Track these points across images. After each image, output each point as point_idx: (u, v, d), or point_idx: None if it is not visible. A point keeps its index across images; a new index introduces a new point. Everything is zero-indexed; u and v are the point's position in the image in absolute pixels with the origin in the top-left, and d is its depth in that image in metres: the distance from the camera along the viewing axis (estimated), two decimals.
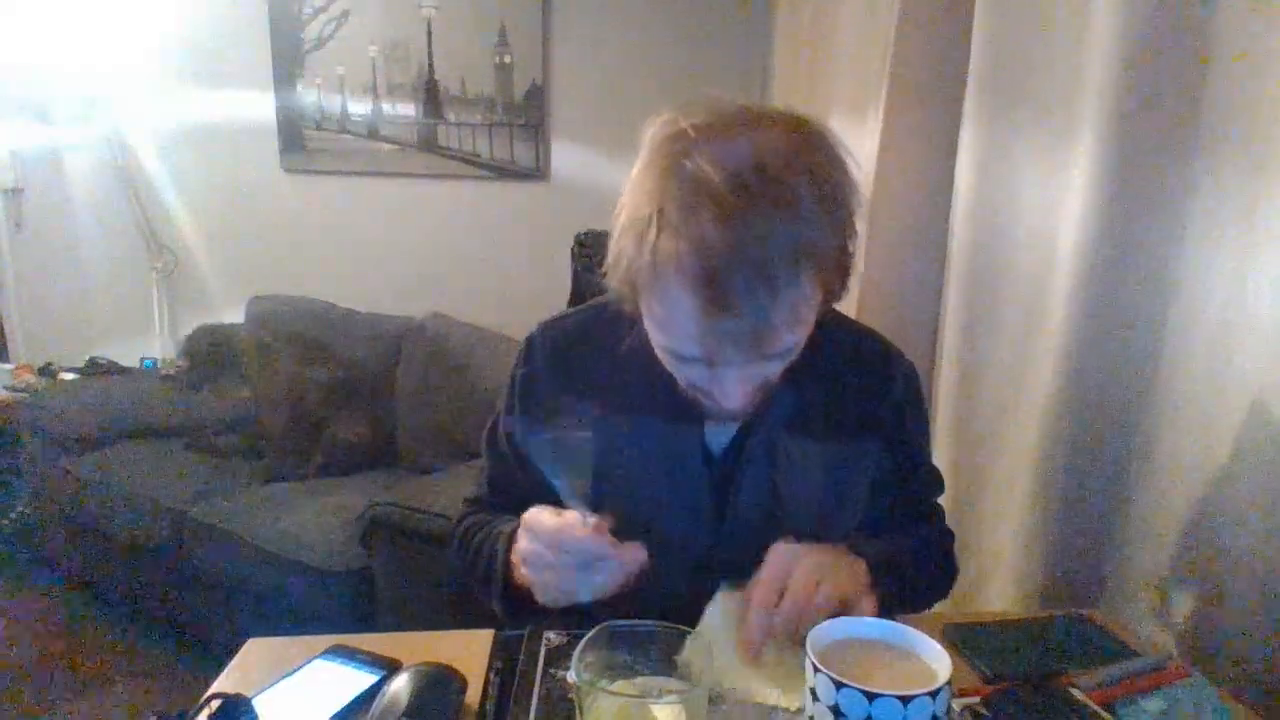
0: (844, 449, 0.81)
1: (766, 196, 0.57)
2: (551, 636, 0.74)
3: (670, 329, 0.64)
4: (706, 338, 0.61)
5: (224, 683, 0.69)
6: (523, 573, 0.70)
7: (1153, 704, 0.66)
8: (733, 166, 0.57)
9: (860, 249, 0.70)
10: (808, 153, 0.60)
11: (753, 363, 0.64)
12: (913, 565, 0.85)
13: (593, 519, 0.67)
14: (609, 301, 0.82)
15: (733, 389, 0.65)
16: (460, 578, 0.89)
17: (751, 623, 0.69)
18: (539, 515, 0.69)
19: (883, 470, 0.83)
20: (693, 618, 0.68)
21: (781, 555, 0.69)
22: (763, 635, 0.69)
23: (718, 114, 0.62)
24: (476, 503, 0.92)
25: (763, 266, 0.57)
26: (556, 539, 0.66)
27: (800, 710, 0.63)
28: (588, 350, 0.82)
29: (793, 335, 0.63)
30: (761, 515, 0.79)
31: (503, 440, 0.87)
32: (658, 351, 0.68)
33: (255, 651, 0.75)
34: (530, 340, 0.85)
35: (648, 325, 0.67)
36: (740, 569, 0.72)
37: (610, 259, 0.65)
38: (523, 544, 0.70)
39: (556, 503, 0.81)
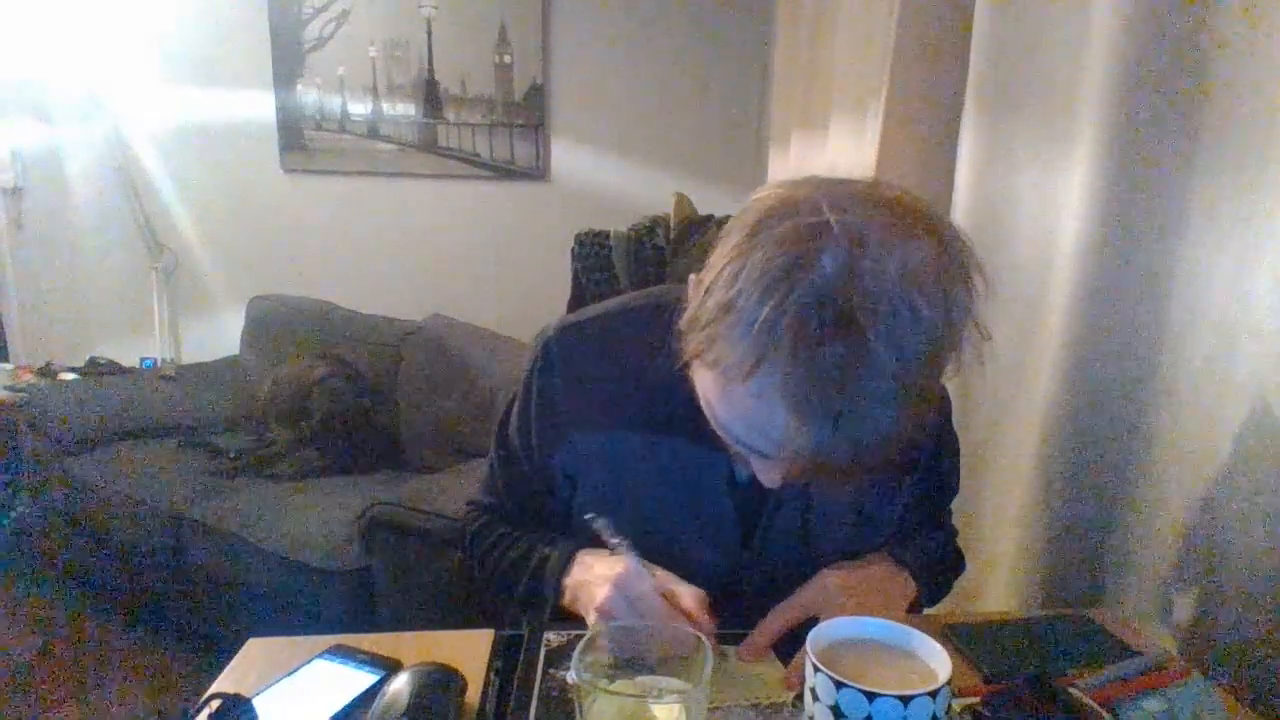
0: (879, 481, 0.79)
1: (901, 331, 0.50)
2: (551, 636, 0.74)
3: (745, 424, 0.57)
4: (783, 448, 0.56)
5: (224, 683, 0.69)
6: (591, 618, 0.69)
7: (1153, 704, 0.66)
8: (874, 287, 0.49)
9: None
10: (949, 279, 0.53)
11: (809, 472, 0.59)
12: (940, 565, 0.86)
13: (689, 594, 0.67)
14: (632, 306, 0.81)
15: (775, 475, 0.62)
16: (474, 581, 0.89)
17: (765, 623, 0.70)
18: (638, 582, 0.67)
19: (915, 496, 0.83)
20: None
21: (814, 592, 0.71)
22: (769, 639, 0.70)
23: (861, 205, 0.52)
24: (484, 507, 0.91)
25: (873, 401, 0.51)
26: (650, 607, 0.66)
27: (794, 702, 0.63)
28: (610, 362, 0.78)
29: (864, 472, 0.57)
30: (789, 544, 0.78)
31: (514, 444, 0.84)
32: (705, 407, 0.61)
33: (255, 651, 0.75)
34: (547, 346, 0.80)
35: (714, 390, 0.58)
36: (765, 594, 0.73)
37: (693, 322, 0.57)
38: (604, 594, 0.67)
39: (567, 507, 0.81)
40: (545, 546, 0.80)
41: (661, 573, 0.69)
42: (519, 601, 0.82)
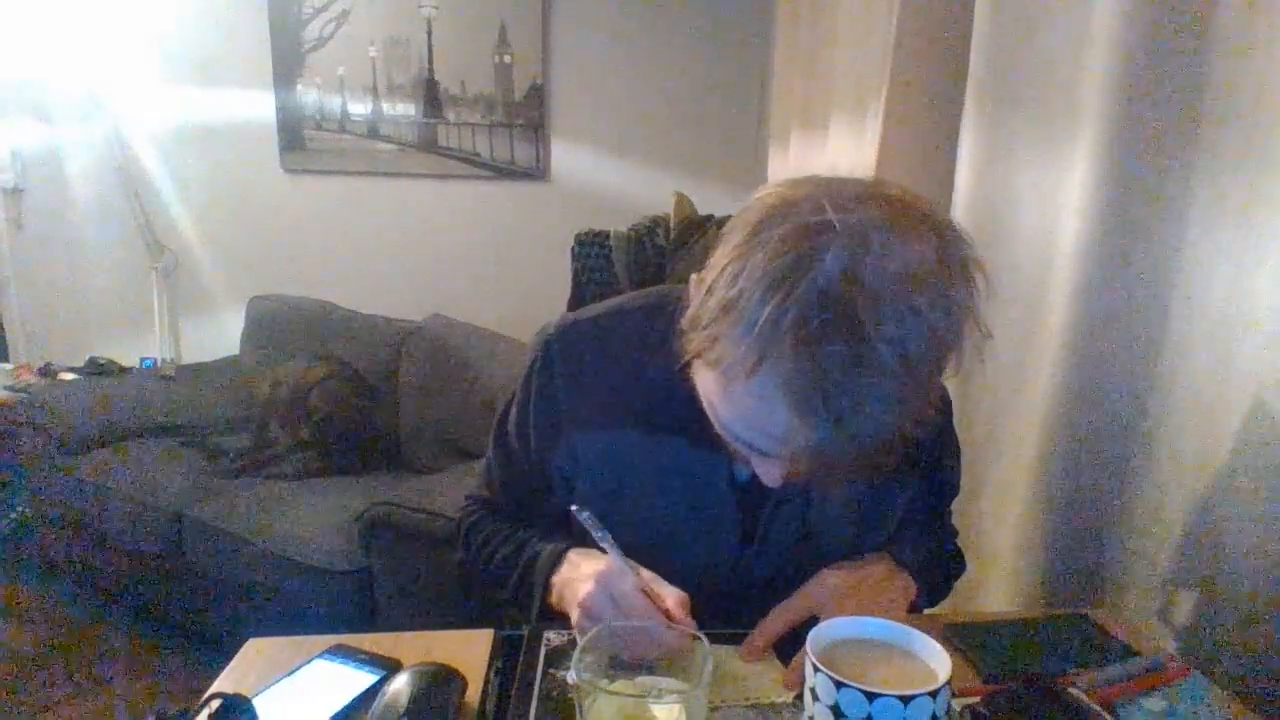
0: (879, 480, 0.79)
1: (903, 330, 0.50)
2: (551, 636, 0.74)
3: (747, 423, 0.57)
4: (785, 447, 0.56)
5: (224, 683, 0.69)
6: (574, 614, 0.69)
7: (1153, 704, 0.66)
8: (876, 286, 0.49)
9: None
10: (951, 277, 0.53)
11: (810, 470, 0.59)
12: (940, 565, 0.86)
13: (672, 594, 0.67)
14: (632, 306, 0.81)
15: (776, 474, 0.62)
16: (469, 576, 0.89)
17: (765, 623, 0.70)
18: (620, 580, 0.67)
19: (916, 496, 0.83)
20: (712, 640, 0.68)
21: (814, 592, 0.71)
22: (769, 639, 0.70)
23: (863, 204, 0.52)
24: (482, 502, 0.91)
25: (875, 399, 0.51)
26: (632, 605, 0.66)
27: (794, 702, 0.63)
28: (610, 361, 0.77)
29: (865, 471, 0.57)
30: (789, 544, 0.78)
31: (513, 442, 0.84)
32: (707, 407, 0.61)
33: (255, 651, 0.75)
34: (547, 344, 0.80)
35: (715, 389, 0.58)
36: (765, 594, 0.73)
37: (695, 321, 0.57)
38: (587, 589, 0.68)
39: (564, 506, 0.81)
40: (536, 543, 0.80)
41: (646, 572, 0.69)
42: (509, 597, 0.82)
